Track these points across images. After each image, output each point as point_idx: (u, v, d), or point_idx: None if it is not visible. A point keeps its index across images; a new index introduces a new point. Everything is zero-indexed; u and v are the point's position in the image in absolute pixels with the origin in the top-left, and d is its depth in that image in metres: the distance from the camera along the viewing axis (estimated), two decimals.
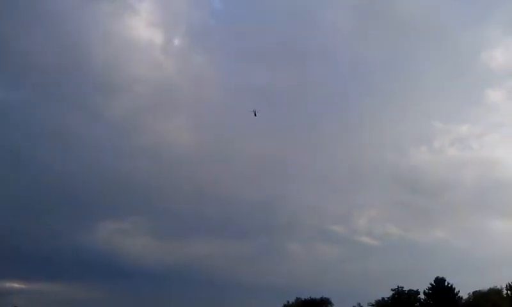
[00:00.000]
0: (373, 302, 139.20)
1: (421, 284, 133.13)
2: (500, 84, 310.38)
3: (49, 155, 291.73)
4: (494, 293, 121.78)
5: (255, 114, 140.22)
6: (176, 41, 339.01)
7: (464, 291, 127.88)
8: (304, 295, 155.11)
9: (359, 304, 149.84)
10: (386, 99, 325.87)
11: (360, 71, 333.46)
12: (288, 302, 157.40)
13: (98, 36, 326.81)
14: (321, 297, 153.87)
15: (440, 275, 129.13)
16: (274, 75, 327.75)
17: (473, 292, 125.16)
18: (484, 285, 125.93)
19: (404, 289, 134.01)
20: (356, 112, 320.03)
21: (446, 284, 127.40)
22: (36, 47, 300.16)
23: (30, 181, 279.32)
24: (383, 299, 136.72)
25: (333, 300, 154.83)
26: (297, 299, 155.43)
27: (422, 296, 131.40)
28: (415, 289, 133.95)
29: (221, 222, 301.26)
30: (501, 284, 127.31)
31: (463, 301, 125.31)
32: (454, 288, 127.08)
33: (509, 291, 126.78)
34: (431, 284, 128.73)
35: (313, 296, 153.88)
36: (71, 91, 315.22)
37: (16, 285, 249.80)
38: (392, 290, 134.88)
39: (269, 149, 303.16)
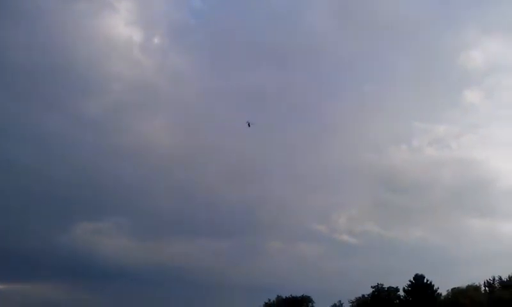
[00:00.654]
0: (353, 299, 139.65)
1: (400, 281, 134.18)
2: (479, 85, 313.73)
3: (28, 156, 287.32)
4: (472, 289, 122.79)
5: (249, 125, 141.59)
6: (156, 40, 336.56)
7: (443, 288, 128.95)
8: (286, 293, 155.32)
9: (339, 301, 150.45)
10: (366, 99, 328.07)
11: (339, 72, 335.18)
12: (269, 300, 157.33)
13: (77, 35, 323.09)
14: (302, 295, 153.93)
15: (419, 273, 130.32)
16: (255, 76, 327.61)
17: (452, 289, 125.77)
18: (462, 282, 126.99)
19: (383, 286, 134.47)
20: (337, 112, 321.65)
21: (425, 281, 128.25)
22: (15, 47, 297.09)
23: (9, 182, 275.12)
24: (363, 296, 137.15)
25: (313, 298, 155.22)
26: (278, 296, 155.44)
27: (401, 293, 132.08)
28: (394, 286, 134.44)
29: (203, 222, 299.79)
30: (479, 281, 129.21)
31: (441, 298, 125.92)
32: (433, 285, 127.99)
33: (487, 288, 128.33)
34: (410, 281, 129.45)
35: (294, 294, 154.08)
36: (50, 91, 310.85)
37: None
38: (372, 287, 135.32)
39: (251, 150, 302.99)
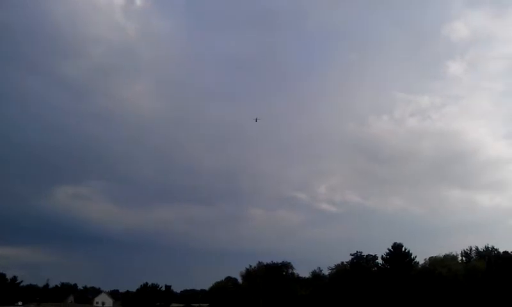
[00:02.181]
0: (332, 266, 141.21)
1: (379, 249, 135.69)
2: (462, 56, 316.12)
3: (7, 119, 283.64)
4: (450, 259, 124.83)
5: (256, 121, 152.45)
6: (138, 2, 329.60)
7: (420, 257, 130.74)
8: (266, 260, 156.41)
9: (319, 268, 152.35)
10: (348, 68, 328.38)
11: (324, 40, 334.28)
12: (250, 266, 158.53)
13: None
14: (282, 262, 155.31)
15: (398, 242, 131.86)
16: (238, 42, 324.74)
17: (430, 258, 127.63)
18: (440, 251, 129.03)
19: (362, 254, 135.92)
20: (319, 80, 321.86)
21: (403, 250, 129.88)
22: None
23: None
24: (342, 263, 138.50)
25: (294, 265, 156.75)
26: (260, 263, 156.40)
27: (380, 261, 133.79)
28: (373, 254, 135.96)
29: (184, 188, 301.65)
30: (456, 251, 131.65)
31: (419, 266, 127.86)
32: (411, 254, 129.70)
33: (464, 258, 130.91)
34: (388, 249, 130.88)
35: (274, 261, 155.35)
36: (29, 53, 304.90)
37: None
38: (351, 254, 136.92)
39: (232, 118, 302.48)
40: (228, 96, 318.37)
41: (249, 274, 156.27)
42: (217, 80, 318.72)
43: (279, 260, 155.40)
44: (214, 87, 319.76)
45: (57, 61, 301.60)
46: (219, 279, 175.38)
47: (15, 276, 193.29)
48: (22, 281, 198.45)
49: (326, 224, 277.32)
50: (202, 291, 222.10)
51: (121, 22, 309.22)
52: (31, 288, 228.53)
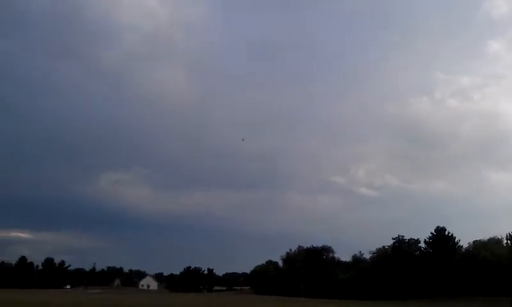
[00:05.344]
0: (374, 250, 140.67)
1: (421, 233, 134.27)
2: (503, 34, 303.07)
3: (48, 106, 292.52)
4: (494, 242, 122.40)
5: (243, 140, 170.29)
6: None
7: (464, 241, 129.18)
8: (307, 244, 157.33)
9: (360, 252, 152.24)
10: (388, 49, 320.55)
11: (360, 20, 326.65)
12: (290, 249, 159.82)
13: None
14: (323, 245, 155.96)
15: (441, 225, 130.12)
16: (271, 25, 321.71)
17: (474, 241, 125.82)
18: (484, 235, 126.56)
19: (404, 238, 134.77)
20: (357, 62, 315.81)
21: (446, 233, 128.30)
22: None
23: (30, 133, 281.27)
24: (383, 247, 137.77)
25: (334, 249, 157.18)
26: (300, 247, 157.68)
27: (422, 245, 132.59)
28: (415, 238, 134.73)
29: (222, 173, 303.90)
30: (501, 234, 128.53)
31: (463, 250, 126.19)
32: (455, 237, 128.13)
33: (509, 241, 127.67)
34: (431, 233, 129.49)
35: (315, 244, 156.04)
36: (63, 40, 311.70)
37: (22, 235, 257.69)
38: (393, 238, 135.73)
39: (269, 101, 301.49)
40: (265, 80, 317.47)
41: (289, 258, 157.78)
42: (251, 64, 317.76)
43: (319, 244, 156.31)
44: (249, 71, 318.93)
45: (90, 48, 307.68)
46: (260, 263, 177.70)
47: (62, 261, 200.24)
48: (69, 266, 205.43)
49: (366, 208, 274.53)
50: (243, 274, 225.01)
51: (154, 8, 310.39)
52: (79, 272, 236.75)
